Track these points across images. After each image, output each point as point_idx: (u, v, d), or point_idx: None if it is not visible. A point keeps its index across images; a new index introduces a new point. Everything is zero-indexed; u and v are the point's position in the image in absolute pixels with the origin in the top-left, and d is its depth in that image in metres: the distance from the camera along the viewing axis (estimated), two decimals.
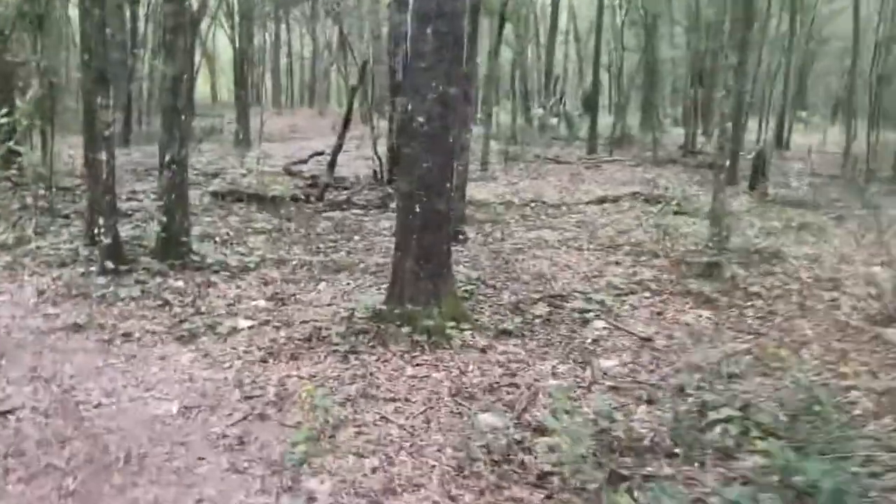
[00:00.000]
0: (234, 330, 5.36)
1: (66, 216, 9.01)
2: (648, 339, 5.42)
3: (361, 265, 7.49)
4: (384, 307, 5.39)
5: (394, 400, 4.23)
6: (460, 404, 4.20)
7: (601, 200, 11.84)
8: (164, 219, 6.99)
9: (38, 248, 7.38)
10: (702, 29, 22.93)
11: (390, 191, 12.09)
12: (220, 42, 35.82)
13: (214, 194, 11.16)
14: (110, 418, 4.01)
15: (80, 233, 7.90)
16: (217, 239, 8.37)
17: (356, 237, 9.08)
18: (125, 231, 7.83)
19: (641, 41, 25.61)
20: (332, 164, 12.42)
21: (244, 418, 4.02)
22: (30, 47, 9.20)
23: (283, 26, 37.98)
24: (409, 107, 5.26)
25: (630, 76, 27.03)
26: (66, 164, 11.04)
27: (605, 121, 24.30)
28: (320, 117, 30.24)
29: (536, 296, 6.40)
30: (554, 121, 27.80)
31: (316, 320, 5.57)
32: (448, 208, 5.41)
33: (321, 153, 15.06)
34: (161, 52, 7.19)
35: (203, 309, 5.85)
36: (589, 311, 5.97)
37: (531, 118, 27.45)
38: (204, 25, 27.92)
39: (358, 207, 11.14)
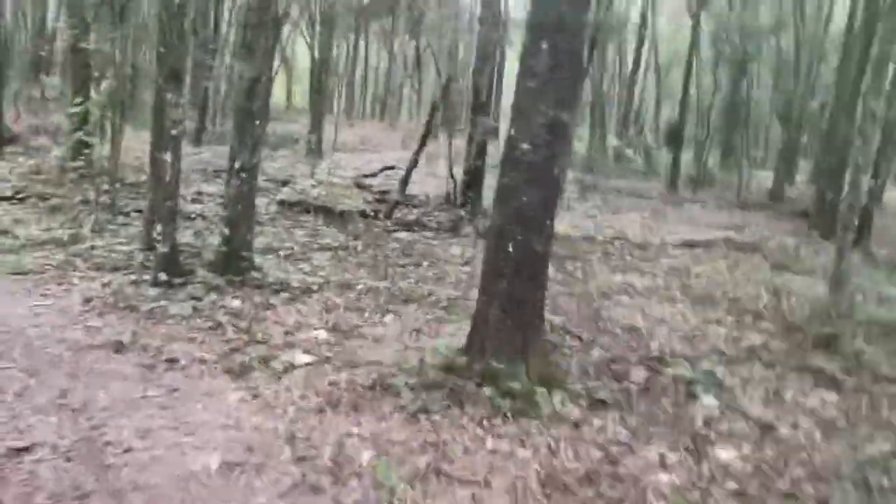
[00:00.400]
0: (291, 366, 4.73)
1: (127, 214, 8.64)
2: (770, 427, 4.56)
3: (431, 297, 6.81)
4: (462, 358, 4.68)
5: (471, 482, 3.50)
6: (551, 497, 3.45)
7: (690, 244, 10.91)
8: (227, 231, 6.46)
9: (92, 247, 6.95)
10: (798, 73, 21.75)
11: (462, 214, 11.46)
12: (299, 49, 35.98)
13: (282, 203, 10.72)
14: (140, 469, 3.40)
15: (138, 234, 7.46)
16: (280, 253, 7.83)
17: (425, 263, 8.42)
18: (185, 237, 7.37)
19: (723, 80, 24.44)
20: (404, 181, 11.82)
21: (294, 487, 3.36)
22: (110, 37, 8.88)
23: (362, 40, 37.94)
24: (513, 131, 4.57)
25: (716, 114, 25.84)
26: (137, 159, 10.75)
27: (683, 157, 23.24)
28: (391, 130, 29.90)
29: (631, 355, 5.59)
30: (630, 152, 26.82)
31: (381, 363, 4.89)
32: (546, 249, 4.69)
33: (392, 167, 14.55)
34: (242, 51, 6.68)
35: (258, 336, 5.24)
36: (695, 381, 5.13)
37: (606, 148, 26.52)
38: (284, 31, 27.87)
39: (428, 229, 10.51)
